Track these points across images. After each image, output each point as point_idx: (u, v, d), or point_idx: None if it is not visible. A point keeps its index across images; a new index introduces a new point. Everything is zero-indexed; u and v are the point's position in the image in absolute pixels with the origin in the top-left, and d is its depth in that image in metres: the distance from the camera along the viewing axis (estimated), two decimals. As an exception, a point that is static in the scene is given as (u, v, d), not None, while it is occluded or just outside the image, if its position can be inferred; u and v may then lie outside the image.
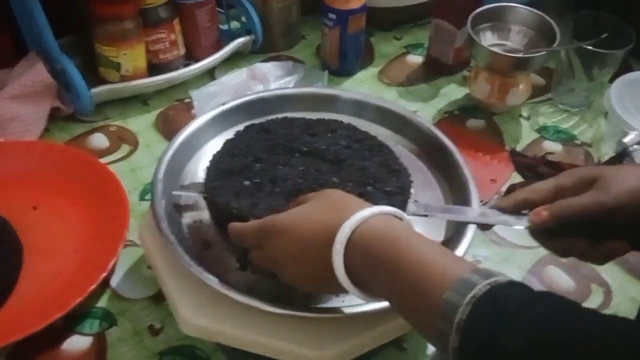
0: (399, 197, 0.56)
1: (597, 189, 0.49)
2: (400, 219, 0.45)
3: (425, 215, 0.55)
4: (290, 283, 0.48)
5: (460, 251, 0.54)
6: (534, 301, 0.37)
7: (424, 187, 0.64)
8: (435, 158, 0.66)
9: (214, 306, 0.52)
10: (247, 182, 0.56)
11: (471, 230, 0.56)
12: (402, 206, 0.55)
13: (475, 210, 0.56)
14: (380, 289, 0.43)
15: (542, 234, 0.52)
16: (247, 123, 0.65)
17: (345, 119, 0.68)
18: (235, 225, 0.51)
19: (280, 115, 0.66)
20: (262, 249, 0.48)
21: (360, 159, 0.60)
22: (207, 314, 0.52)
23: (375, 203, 0.47)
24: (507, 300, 0.36)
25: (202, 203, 0.59)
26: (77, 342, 0.62)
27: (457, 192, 0.62)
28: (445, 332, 0.37)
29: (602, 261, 0.52)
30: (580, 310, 0.36)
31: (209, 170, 0.59)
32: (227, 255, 0.56)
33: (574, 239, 0.50)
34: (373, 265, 0.42)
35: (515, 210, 0.52)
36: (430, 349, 0.62)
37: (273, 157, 0.59)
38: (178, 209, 0.60)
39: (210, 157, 0.60)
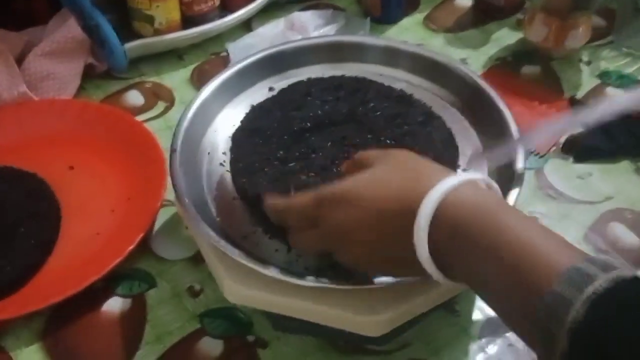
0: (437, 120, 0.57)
1: None
2: (489, 188, 0.39)
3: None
4: (353, 264, 0.43)
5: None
6: None
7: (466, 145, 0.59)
8: (479, 113, 0.61)
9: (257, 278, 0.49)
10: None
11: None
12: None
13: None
14: (468, 273, 0.37)
15: None
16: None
17: (377, 69, 0.66)
18: (278, 203, 0.45)
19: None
20: (317, 227, 0.42)
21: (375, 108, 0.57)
22: (251, 285, 0.50)
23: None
24: (636, 303, 0.30)
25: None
26: (117, 304, 0.60)
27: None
28: (552, 332, 0.31)
29: None
30: None
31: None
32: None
33: None
34: (462, 245, 0.36)
35: None
36: (480, 315, 0.58)
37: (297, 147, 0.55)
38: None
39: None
